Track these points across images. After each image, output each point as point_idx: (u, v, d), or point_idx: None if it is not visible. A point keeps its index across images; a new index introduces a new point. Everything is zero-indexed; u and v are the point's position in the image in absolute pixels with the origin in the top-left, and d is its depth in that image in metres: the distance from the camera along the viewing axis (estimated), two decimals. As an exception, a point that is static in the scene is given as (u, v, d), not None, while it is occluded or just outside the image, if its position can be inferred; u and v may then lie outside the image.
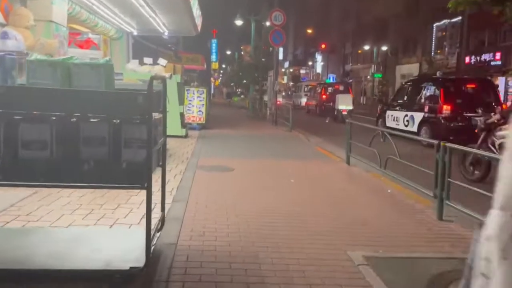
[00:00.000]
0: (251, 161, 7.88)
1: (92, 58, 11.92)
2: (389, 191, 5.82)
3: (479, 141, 6.93)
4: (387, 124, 13.96)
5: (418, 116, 12.21)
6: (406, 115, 12.87)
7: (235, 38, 50.82)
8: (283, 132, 13.49)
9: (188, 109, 12.69)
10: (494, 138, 6.76)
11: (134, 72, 10.03)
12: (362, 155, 7.43)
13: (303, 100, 26.75)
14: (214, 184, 5.83)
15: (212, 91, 46.48)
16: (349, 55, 47.69)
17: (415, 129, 12.33)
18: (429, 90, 12.55)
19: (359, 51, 44.27)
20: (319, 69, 57.05)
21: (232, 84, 38.01)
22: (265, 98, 19.49)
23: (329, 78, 50.14)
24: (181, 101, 10.65)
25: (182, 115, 10.54)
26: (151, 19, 11.56)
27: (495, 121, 6.75)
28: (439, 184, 4.62)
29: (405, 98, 13.58)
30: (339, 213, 4.66)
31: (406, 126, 12.83)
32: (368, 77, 43.53)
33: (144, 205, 3.06)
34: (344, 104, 16.89)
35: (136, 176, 2.63)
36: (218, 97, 49.37)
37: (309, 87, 29.45)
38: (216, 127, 13.70)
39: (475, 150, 6.11)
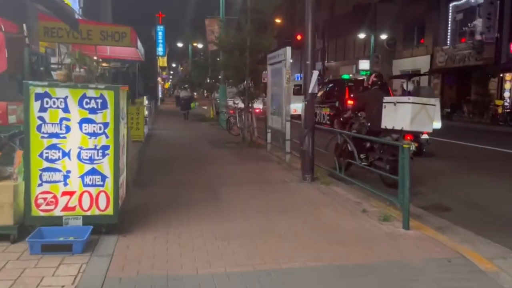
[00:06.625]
0: None
1: None
2: None
3: None
4: None
5: None
6: None
7: (188, 27, 41.13)
8: (366, 221, 4.50)
9: (44, 175, 3.55)
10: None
11: None
12: None
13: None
14: None
15: (160, 95, 36.41)
16: (326, 49, 39.66)
17: None
18: None
19: (331, 46, 36.35)
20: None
21: (185, 86, 25.08)
22: (257, 105, 10.54)
23: (297, 78, 42.09)
24: None
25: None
26: None
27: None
28: None
29: None
30: None
31: None
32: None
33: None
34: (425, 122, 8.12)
35: None
36: (169, 102, 39.00)
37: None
38: (154, 217, 4.54)
39: None
